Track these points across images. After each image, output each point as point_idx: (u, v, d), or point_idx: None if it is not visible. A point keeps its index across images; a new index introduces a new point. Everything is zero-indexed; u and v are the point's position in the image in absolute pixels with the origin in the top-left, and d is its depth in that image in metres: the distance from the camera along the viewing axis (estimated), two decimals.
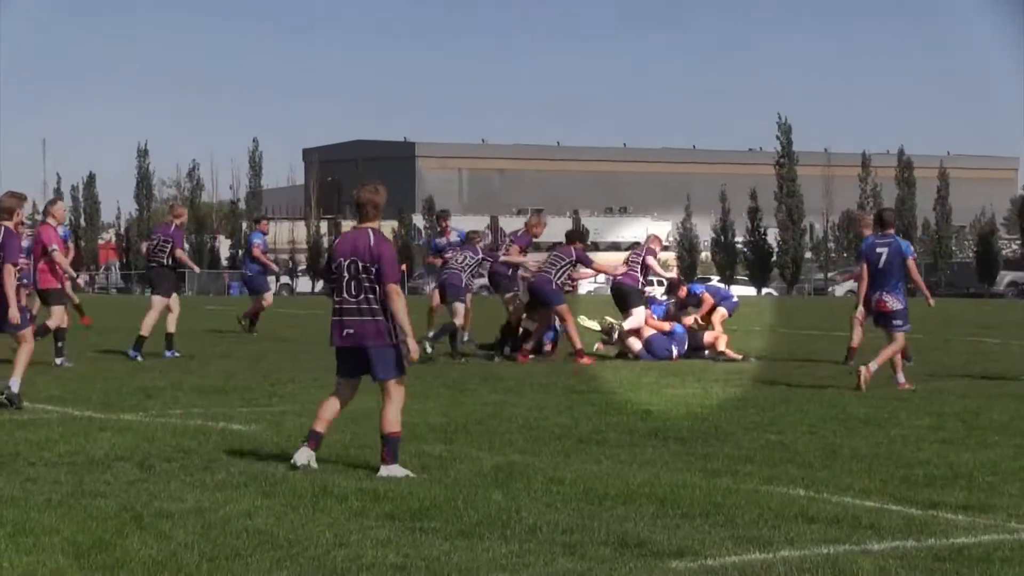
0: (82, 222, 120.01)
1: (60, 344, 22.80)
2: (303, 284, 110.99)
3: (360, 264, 11.79)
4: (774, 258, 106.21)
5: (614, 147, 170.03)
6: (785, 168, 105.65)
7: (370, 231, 11.96)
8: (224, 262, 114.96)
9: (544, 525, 9.51)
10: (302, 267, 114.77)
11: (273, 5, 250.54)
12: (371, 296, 11.78)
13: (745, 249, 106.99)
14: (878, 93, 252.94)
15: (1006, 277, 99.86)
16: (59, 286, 22.78)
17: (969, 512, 10.14)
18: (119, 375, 20.92)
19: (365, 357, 11.84)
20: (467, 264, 25.68)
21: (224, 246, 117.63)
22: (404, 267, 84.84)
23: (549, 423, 15.15)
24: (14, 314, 16.55)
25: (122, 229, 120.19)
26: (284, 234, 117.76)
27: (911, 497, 10.72)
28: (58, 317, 22.69)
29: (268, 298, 32.78)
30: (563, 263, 24.75)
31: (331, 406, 12.17)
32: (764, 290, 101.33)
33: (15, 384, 16.44)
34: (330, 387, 19.15)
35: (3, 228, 16.72)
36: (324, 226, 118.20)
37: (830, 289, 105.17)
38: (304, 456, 11.90)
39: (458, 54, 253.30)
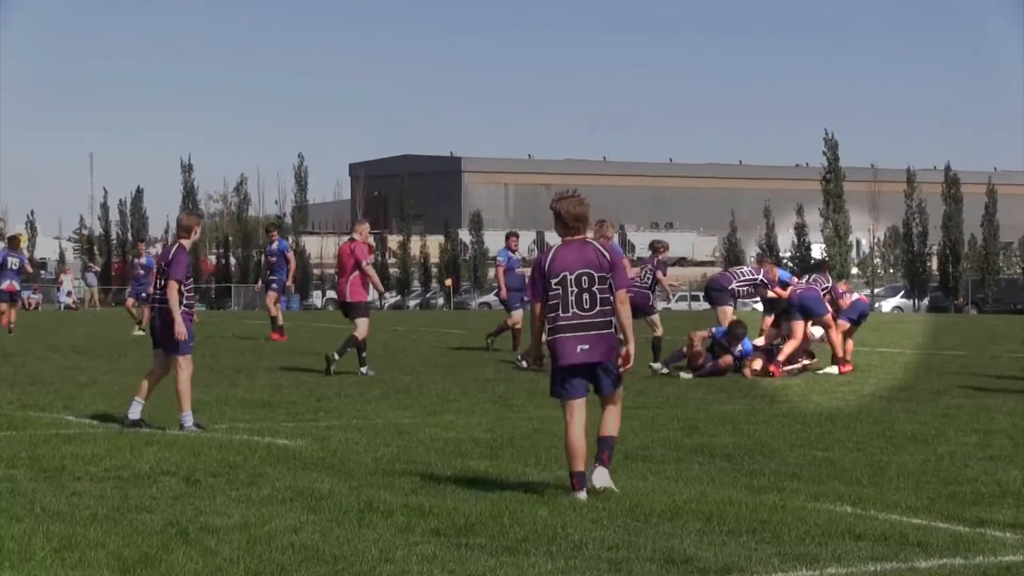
0: (129, 236, 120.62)
1: (364, 354, 24.23)
2: None
3: (596, 275, 11.35)
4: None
5: (660, 162, 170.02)
6: (832, 184, 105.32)
7: (593, 242, 11.58)
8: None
9: (590, 541, 9.48)
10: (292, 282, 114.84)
11: (320, 21, 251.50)
12: (606, 308, 11.34)
13: (791, 265, 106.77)
14: (925, 109, 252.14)
15: None
16: (367, 300, 24.71)
17: (1018, 530, 10.07)
18: (165, 390, 20.95)
19: (591, 372, 11.41)
20: (647, 280, 26.09)
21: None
22: (450, 282, 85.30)
23: (595, 439, 15.10)
24: (180, 330, 16.15)
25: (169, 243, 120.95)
26: (330, 248, 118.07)
27: (959, 514, 10.65)
28: (363, 329, 24.30)
29: (515, 316, 32.12)
30: (825, 285, 25.93)
31: (580, 437, 11.32)
32: None
33: (187, 419, 16.03)
34: (376, 401, 19.32)
35: (177, 245, 16.46)
36: (370, 241, 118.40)
37: (877, 305, 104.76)
38: (582, 496, 11.21)
39: (504, 69, 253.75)
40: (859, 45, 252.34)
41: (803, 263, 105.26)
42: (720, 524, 10.13)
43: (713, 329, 25.08)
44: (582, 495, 11.15)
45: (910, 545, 9.46)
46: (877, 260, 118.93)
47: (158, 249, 44.18)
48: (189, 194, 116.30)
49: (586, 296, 11.32)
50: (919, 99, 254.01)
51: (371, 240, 25.73)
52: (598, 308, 11.32)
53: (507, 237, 31.52)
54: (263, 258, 37.04)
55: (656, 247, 27.32)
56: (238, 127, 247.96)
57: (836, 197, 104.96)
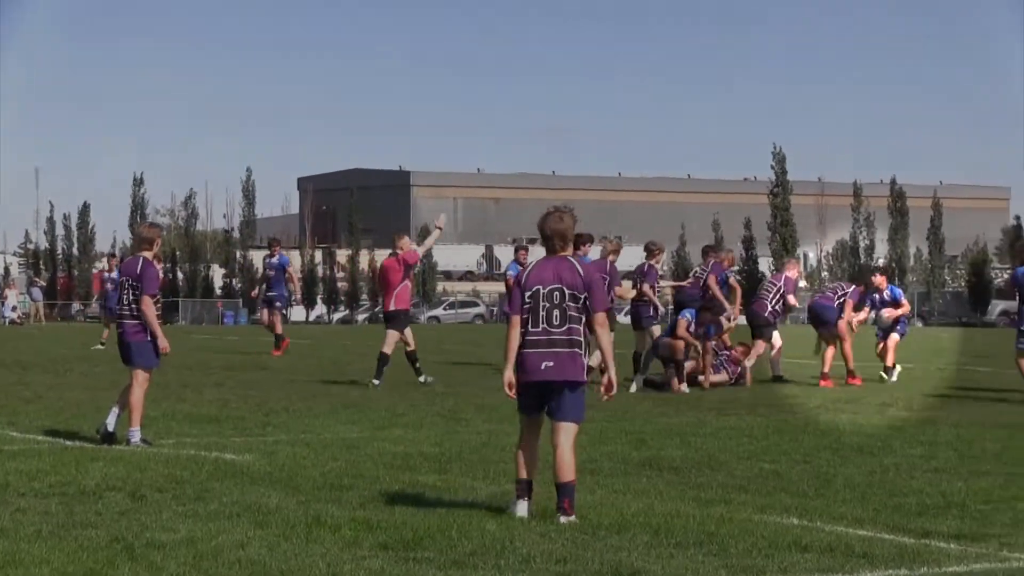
0: (75, 251, 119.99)
1: (417, 364, 25.68)
2: (297, 313, 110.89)
3: (568, 292, 11.02)
4: None
5: (609, 176, 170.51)
6: (779, 197, 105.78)
7: (572, 259, 11.25)
8: (218, 291, 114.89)
9: (538, 555, 9.48)
10: (296, 296, 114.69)
11: (268, 34, 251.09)
12: (576, 327, 10.99)
13: (739, 278, 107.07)
14: (871, 123, 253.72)
15: (998, 306, 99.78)
16: (408, 309, 25.73)
17: (961, 541, 10.13)
18: (110, 400, 20.85)
19: (552, 392, 11.07)
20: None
21: (218, 275, 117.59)
22: None
23: (543, 452, 15.03)
24: (164, 344, 16.08)
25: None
26: None
27: (904, 526, 10.71)
28: (391, 341, 25.27)
29: None
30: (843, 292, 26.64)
31: (530, 450, 11.17)
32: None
33: (135, 435, 15.87)
34: (324, 416, 19.27)
35: (141, 259, 16.26)
36: (319, 255, 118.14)
37: None
38: (523, 509, 11.02)
39: (453, 83, 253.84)
40: (806, 59, 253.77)
41: (750, 277, 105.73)
42: (668, 537, 10.15)
43: (688, 317, 24.83)
44: (523, 503, 11.01)
45: (856, 556, 9.51)
46: (824, 273, 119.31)
47: (105, 263, 44.10)
48: (138, 208, 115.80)
49: (556, 312, 11.03)
50: (866, 113, 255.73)
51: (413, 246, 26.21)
52: (568, 326, 11.03)
53: (516, 251, 31.58)
54: (263, 272, 37.02)
55: (650, 249, 26.54)
56: (186, 141, 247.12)
57: (783, 211, 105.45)
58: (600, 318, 11.17)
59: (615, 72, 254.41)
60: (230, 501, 11.71)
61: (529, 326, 11.08)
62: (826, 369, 25.93)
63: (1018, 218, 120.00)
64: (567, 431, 11.11)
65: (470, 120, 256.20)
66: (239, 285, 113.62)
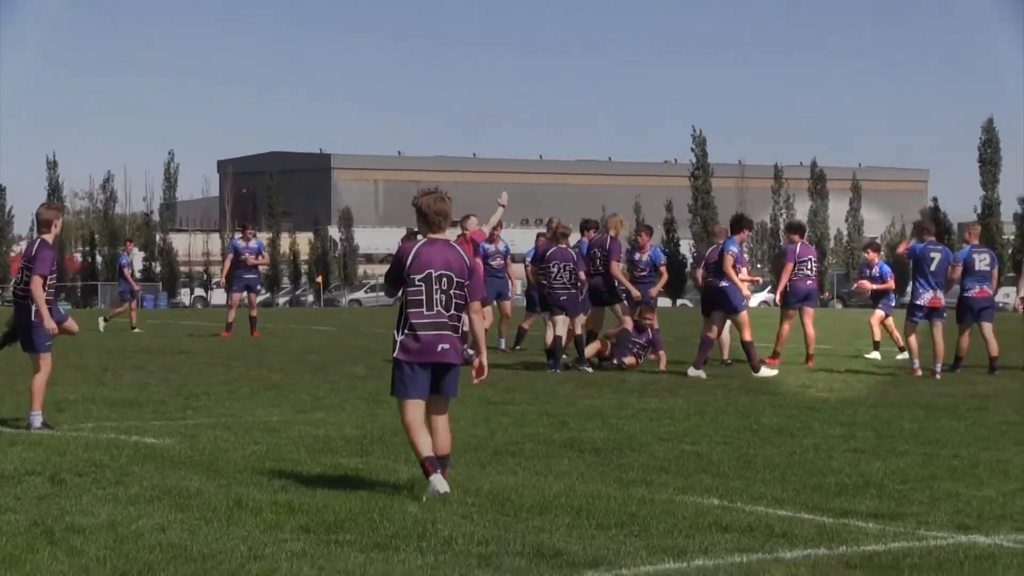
0: None
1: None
2: (218, 296, 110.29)
3: (456, 280, 11.34)
4: (688, 269, 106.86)
5: (530, 159, 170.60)
6: (700, 180, 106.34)
7: (455, 245, 11.61)
8: (137, 274, 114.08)
9: (459, 537, 9.50)
10: (216, 279, 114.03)
11: (186, 15, 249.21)
12: (459, 314, 11.34)
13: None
14: (791, 106, 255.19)
15: None
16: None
17: (879, 520, 10.24)
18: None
19: (441, 373, 11.38)
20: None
21: (137, 258, 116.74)
22: (320, 279, 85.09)
23: (464, 434, 15.12)
24: (50, 325, 15.71)
25: None
26: (198, 246, 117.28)
27: (823, 505, 10.81)
28: (488, 314, 25.46)
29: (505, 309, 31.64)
30: None
31: (424, 429, 11.36)
32: (679, 301, 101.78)
33: (36, 419, 15.67)
34: (245, 399, 19.20)
35: (39, 240, 16.02)
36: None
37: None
38: (442, 484, 11.06)
39: (374, 65, 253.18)
40: (725, 41, 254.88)
41: (672, 259, 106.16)
42: (589, 518, 10.19)
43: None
44: (438, 475, 11.08)
45: (775, 536, 9.59)
46: (744, 255, 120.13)
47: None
48: (54, 191, 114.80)
49: (445, 298, 11.32)
50: (786, 96, 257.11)
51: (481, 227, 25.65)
52: (453, 311, 11.36)
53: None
54: (237, 257, 36.90)
55: (586, 227, 26.43)
56: (104, 124, 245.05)
57: (704, 193, 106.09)
58: (476, 306, 11.56)
59: (536, 55, 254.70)
60: (150, 485, 11.66)
61: (424, 308, 11.29)
62: (779, 348, 26.40)
63: (935, 200, 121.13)
64: (447, 405, 11.58)
65: (391, 103, 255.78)
66: (159, 269, 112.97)
